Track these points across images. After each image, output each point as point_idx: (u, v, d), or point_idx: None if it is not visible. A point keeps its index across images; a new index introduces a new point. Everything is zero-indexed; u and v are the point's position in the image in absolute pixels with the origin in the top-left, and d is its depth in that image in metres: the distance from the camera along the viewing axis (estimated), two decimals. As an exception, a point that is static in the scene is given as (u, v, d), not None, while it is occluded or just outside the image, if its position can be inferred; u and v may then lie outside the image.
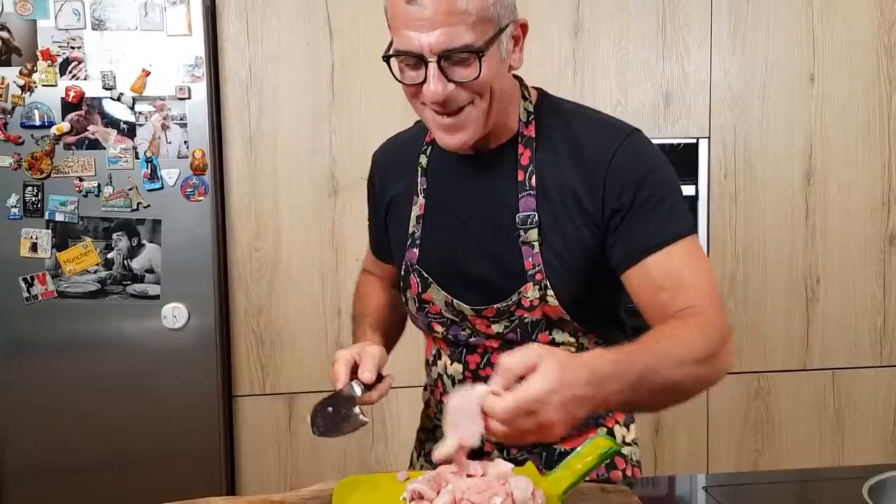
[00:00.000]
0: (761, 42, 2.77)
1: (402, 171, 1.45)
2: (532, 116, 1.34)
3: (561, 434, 1.03)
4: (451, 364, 1.42)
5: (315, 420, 1.27)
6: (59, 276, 2.48)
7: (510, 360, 1.03)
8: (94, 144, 2.47)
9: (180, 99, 2.48)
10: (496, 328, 1.34)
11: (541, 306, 1.30)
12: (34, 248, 2.47)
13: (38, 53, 2.42)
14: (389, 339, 1.52)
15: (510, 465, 1.23)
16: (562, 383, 1.00)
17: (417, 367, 1.58)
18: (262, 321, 2.68)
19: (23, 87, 2.43)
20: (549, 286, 1.28)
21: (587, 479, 1.23)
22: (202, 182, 2.51)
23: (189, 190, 2.50)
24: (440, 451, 1.09)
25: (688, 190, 2.77)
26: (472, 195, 1.35)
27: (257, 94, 2.63)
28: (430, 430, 1.55)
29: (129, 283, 2.50)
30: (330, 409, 1.27)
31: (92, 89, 2.45)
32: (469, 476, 1.20)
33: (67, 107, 2.45)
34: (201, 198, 2.51)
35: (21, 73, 2.42)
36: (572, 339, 1.34)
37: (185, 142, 2.49)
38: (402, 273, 1.42)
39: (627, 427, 1.45)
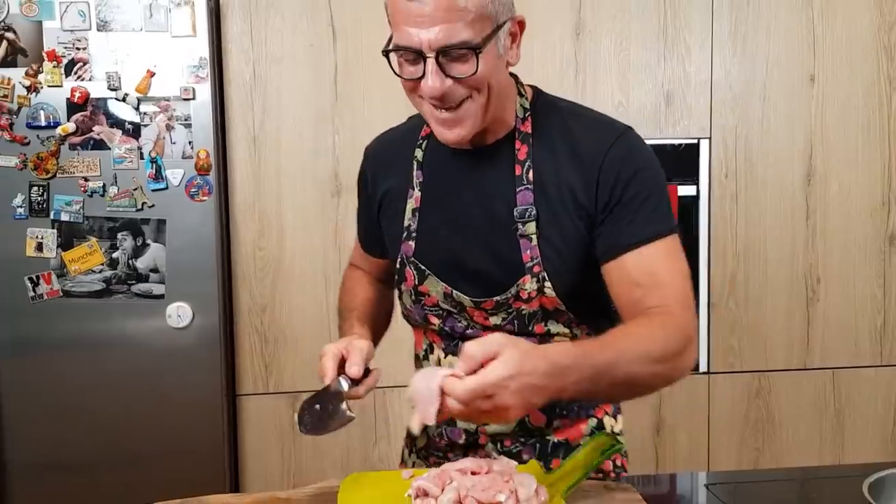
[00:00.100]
0: (762, 43, 2.79)
1: (397, 165, 1.46)
2: (528, 113, 1.36)
3: (517, 417, 1.11)
4: (445, 357, 1.43)
5: (302, 418, 1.27)
6: (64, 275, 2.50)
7: (473, 348, 1.09)
8: (100, 145, 2.48)
9: (185, 100, 2.49)
10: (494, 320, 1.36)
11: (538, 298, 1.32)
12: (40, 247, 2.49)
13: (44, 54, 2.44)
14: (376, 332, 1.52)
15: (514, 463, 1.25)
16: (520, 371, 1.06)
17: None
18: (265, 320, 2.70)
19: (28, 88, 2.44)
20: (546, 278, 1.31)
21: (590, 476, 1.24)
22: (206, 182, 2.52)
23: (193, 190, 2.52)
24: (409, 426, 1.14)
25: (689, 190, 2.79)
26: (470, 189, 1.37)
27: (261, 94, 2.65)
28: None
29: (133, 282, 2.52)
30: (317, 406, 1.27)
31: (97, 90, 2.47)
32: (473, 473, 1.21)
33: (73, 107, 2.46)
34: (205, 198, 2.53)
35: (27, 73, 2.43)
36: (566, 330, 1.37)
37: (190, 142, 2.50)
38: (398, 266, 1.43)
39: (615, 418, 1.48)
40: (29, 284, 2.49)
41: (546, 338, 1.36)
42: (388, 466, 2.70)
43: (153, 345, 2.54)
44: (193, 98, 2.49)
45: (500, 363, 1.06)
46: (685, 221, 2.78)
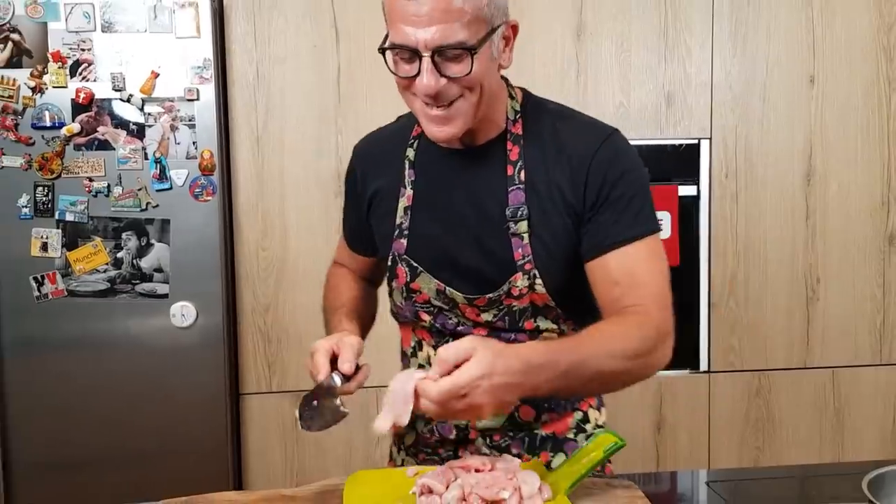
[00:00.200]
0: (762, 43, 2.80)
1: (387, 164, 1.48)
2: (519, 115, 1.39)
3: (490, 414, 1.15)
4: (434, 353, 1.44)
5: (303, 415, 1.28)
6: (69, 275, 2.51)
7: (447, 353, 1.14)
8: (104, 145, 2.50)
9: (189, 100, 2.51)
10: (485, 316, 1.39)
11: (529, 294, 1.35)
12: (44, 247, 2.50)
13: (49, 55, 2.45)
14: (363, 328, 1.53)
15: (518, 461, 1.26)
16: (493, 371, 1.11)
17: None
18: (268, 320, 2.71)
19: (34, 89, 2.46)
20: (537, 275, 1.34)
21: (592, 473, 1.26)
22: (210, 182, 2.53)
23: (197, 190, 2.53)
24: (375, 425, 1.19)
25: (689, 190, 2.80)
26: (461, 188, 1.40)
27: (264, 95, 2.66)
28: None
29: (137, 282, 2.53)
30: (314, 402, 1.28)
31: (102, 91, 2.48)
32: (477, 471, 1.23)
33: (77, 108, 2.47)
34: (209, 198, 2.54)
35: (32, 74, 2.45)
36: (554, 326, 1.40)
37: (194, 142, 2.52)
38: (389, 264, 1.45)
39: (599, 410, 1.51)
40: (34, 284, 2.50)
41: (535, 333, 1.39)
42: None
43: (157, 344, 2.55)
44: (197, 99, 2.51)
45: (474, 363, 1.11)
46: (685, 221, 2.79)
